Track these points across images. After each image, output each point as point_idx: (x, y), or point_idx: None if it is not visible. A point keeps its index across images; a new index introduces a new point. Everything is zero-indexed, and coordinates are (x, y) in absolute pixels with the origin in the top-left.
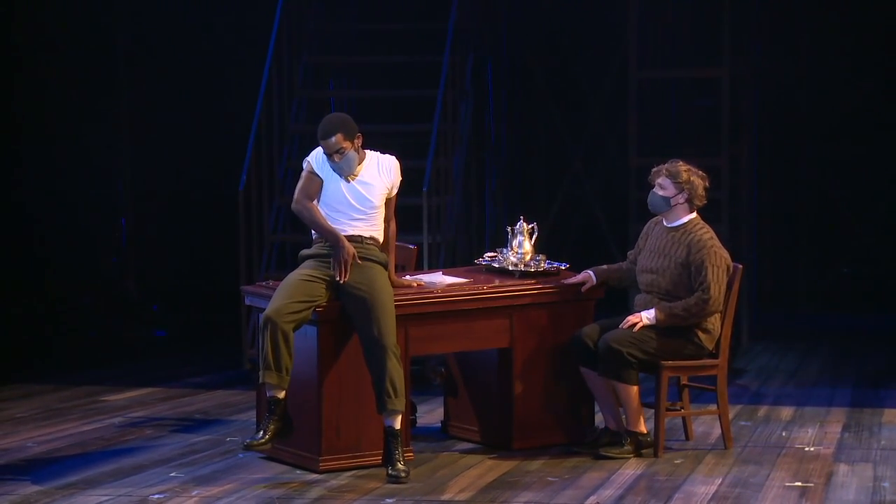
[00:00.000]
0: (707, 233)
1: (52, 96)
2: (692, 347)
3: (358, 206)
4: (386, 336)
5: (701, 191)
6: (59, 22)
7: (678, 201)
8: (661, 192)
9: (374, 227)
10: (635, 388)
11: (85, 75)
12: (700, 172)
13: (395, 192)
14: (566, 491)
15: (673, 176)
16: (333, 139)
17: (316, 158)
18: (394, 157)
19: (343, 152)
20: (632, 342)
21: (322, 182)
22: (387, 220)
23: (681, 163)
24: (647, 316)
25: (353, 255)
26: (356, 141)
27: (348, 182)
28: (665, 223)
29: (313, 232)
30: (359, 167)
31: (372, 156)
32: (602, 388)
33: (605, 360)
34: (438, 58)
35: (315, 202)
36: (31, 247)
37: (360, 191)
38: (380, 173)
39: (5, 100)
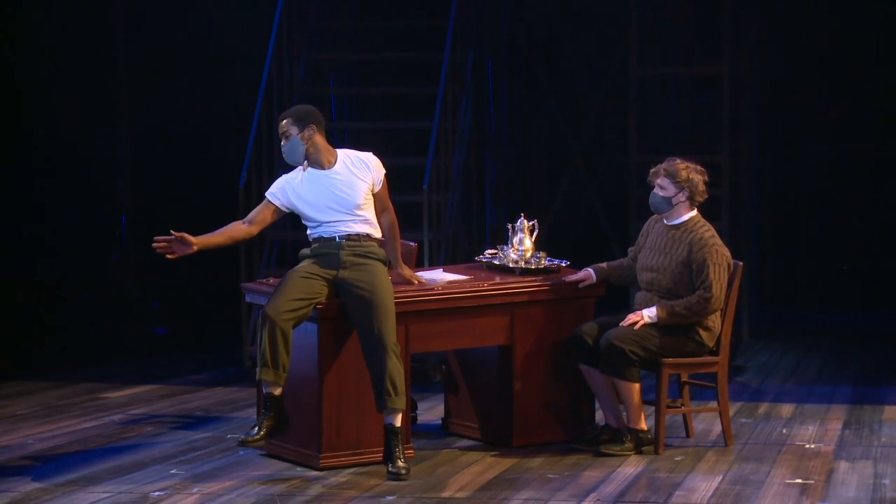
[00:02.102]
0: (708, 231)
1: (52, 94)
2: (693, 345)
3: (338, 208)
4: (386, 335)
5: (702, 187)
6: (59, 20)
7: (679, 200)
8: (661, 193)
9: (366, 223)
10: (637, 386)
11: (85, 72)
12: (699, 168)
13: (377, 187)
14: (566, 488)
15: (672, 175)
16: (283, 121)
17: (275, 187)
18: (370, 154)
19: (289, 137)
20: (634, 340)
21: (274, 209)
22: (379, 213)
23: (678, 161)
24: (647, 314)
25: (179, 239)
26: (307, 131)
27: (328, 190)
28: (665, 221)
29: (308, 232)
30: (331, 168)
31: (342, 153)
32: (602, 386)
33: (606, 357)
34: (439, 55)
35: (250, 224)
36: (31, 244)
37: (336, 192)
38: (352, 170)
39: (7, 99)
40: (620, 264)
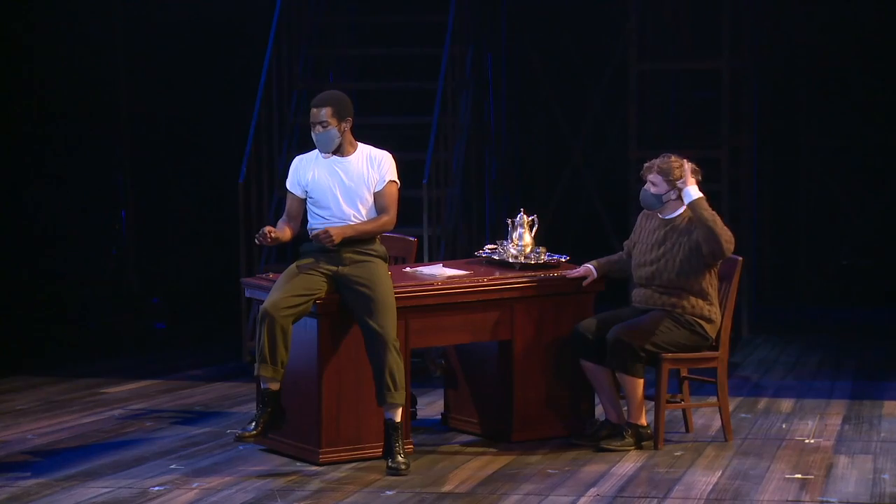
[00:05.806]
0: None
1: (51, 90)
2: (697, 338)
3: (341, 196)
4: (386, 330)
5: None
6: (58, 17)
7: (670, 198)
8: (652, 190)
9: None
10: (641, 381)
11: (84, 69)
12: (693, 166)
13: (378, 186)
14: (566, 484)
15: (664, 173)
16: (322, 111)
17: (290, 177)
18: (387, 153)
19: (326, 127)
20: (642, 335)
21: (299, 199)
22: (379, 213)
23: (672, 158)
24: (691, 190)
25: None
26: (344, 124)
27: (339, 175)
28: (660, 215)
29: (309, 227)
30: (348, 156)
31: (363, 148)
32: (604, 381)
33: (613, 352)
34: (438, 50)
35: (289, 222)
36: (31, 239)
37: (344, 181)
38: (366, 164)
39: (8, 96)
40: (620, 258)
